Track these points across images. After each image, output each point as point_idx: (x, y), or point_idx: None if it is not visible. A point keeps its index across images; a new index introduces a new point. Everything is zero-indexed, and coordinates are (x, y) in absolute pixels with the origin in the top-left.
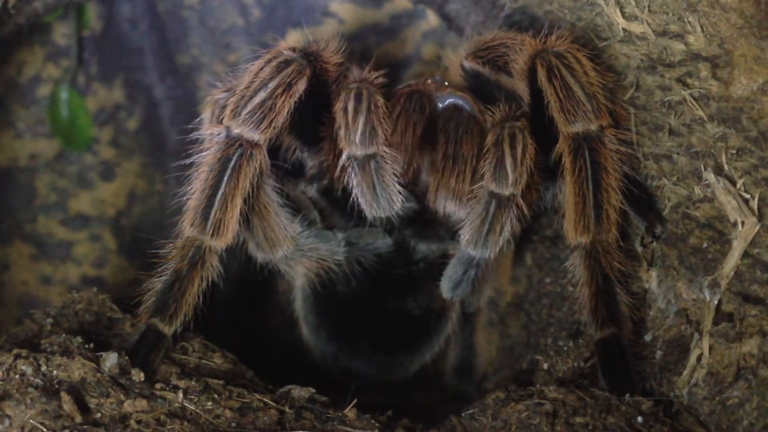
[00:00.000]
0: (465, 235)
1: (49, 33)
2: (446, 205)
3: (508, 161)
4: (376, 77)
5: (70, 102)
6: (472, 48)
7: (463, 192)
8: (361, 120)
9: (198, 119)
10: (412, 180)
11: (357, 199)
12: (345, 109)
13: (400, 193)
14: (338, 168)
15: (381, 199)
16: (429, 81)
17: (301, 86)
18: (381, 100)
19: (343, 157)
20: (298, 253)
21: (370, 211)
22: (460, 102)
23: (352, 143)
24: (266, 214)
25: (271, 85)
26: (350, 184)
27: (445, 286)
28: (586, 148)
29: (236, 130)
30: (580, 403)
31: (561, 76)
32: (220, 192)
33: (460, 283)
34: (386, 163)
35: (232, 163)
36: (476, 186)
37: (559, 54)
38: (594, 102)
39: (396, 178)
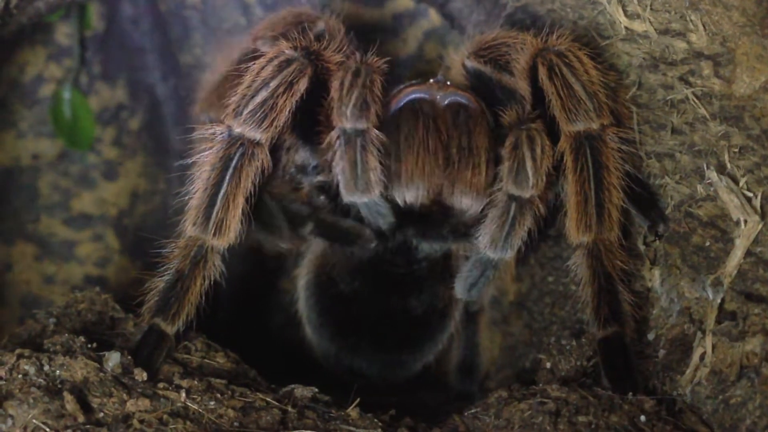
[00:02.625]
0: (484, 237)
1: (51, 33)
2: (462, 200)
3: (529, 164)
4: (379, 61)
5: (73, 102)
6: (474, 47)
7: (480, 185)
8: (355, 93)
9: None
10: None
11: (338, 178)
12: (341, 83)
13: (381, 181)
14: (329, 153)
15: (360, 180)
16: (431, 80)
17: (302, 85)
18: (379, 81)
19: (333, 133)
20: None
21: (347, 192)
22: (462, 100)
23: (343, 115)
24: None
25: (273, 84)
26: (335, 167)
27: (461, 287)
28: (587, 147)
29: (238, 130)
30: (583, 402)
31: (562, 75)
32: (222, 191)
33: (476, 284)
34: (373, 144)
35: (234, 162)
36: (495, 188)
37: (560, 53)
38: (595, 101)
39: (380, 165)
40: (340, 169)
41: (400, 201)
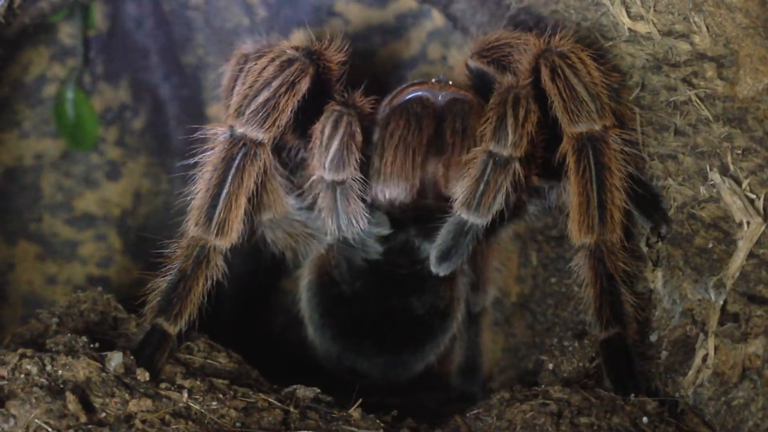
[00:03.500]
0: (458, 195)
1: (54, 33)
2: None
3: (510, 121)
4: (364, 102)
5: (76, 102)
6: (477, 48)
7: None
8: (334, 146)
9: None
10: (420, 190)
11: (322, 214)
12: (322, 131)
13: (364, 216)
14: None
15: (341, 222)
16: (433, 80)
17: (304, 85)
18: (358, 130)
19: (314, 176)
20: (285, 221)
21: (332, 229)
22: (461, 96)
23: (322, 167)
24: (264, 178)
25: (275, 84)
26: (319, 203)
27: (434, 257)
28: (589, 148)
29: (240, 130)
30: (585, 403)
31: (564, 76)
32: (225, 191)
33: (450, 253)
34: (352, 189)
35: (236, 162)
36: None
37: (563, 54)
38: (597, 102)
39: (361, 204)
40: (322, 210)
41: (381, 198)
